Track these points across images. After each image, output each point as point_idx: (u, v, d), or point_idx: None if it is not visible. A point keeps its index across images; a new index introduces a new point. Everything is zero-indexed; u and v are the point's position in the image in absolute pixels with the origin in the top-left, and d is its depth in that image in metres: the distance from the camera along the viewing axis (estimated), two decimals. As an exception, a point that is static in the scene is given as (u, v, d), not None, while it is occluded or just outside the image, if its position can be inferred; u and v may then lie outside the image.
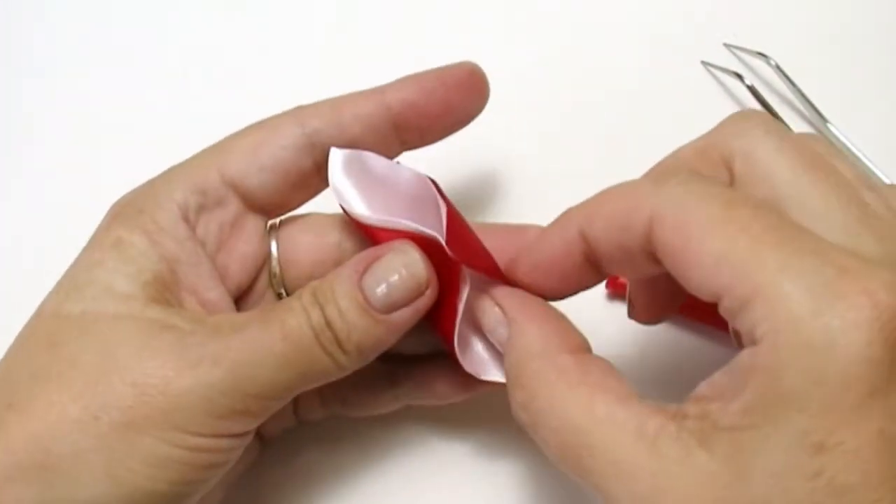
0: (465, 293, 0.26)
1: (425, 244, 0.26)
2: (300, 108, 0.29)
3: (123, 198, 0.28)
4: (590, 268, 0.25)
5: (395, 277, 0.25)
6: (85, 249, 0.26)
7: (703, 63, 0.41)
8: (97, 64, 0.42)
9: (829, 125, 0.38)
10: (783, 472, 0.19)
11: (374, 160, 0.28)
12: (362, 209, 0.28)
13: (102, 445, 0.23)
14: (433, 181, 0.27)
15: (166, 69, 0.42)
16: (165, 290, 0.26)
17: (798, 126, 0.38)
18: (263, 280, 0.29)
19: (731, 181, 0.24)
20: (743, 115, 0.25)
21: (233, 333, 0.24)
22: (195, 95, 0.42)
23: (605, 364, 0.24)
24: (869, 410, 0.19)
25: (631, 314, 0.29)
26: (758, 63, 0.40)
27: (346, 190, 0.28)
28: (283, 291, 0.29)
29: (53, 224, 0.38)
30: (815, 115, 0.38)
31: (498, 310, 0.26)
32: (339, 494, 0.32)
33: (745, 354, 0.20)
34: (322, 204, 0.30)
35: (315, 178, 0.29)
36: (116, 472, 0.23)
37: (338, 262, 0.29)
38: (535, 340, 0.25)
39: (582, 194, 0.38)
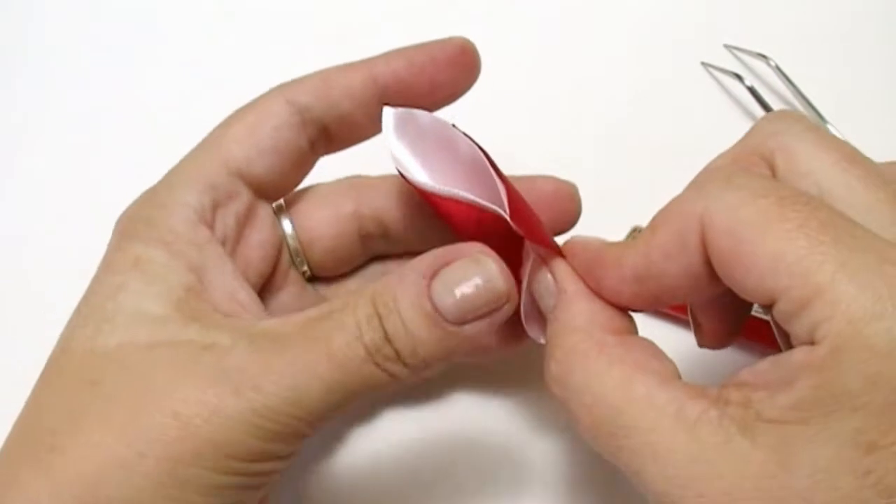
0: (528, 267, 0.25)
1: (488, 218, 0.25)
2: (286, 86, 0.28)
3: (127, 212, 0.26)
4: (650, 303, 0.25)
5: (472, 289, 0.23)
6: (101, 274, 0.25)
7: (703, 64, 0.41)
8: (96, 63, 0.42)
9: (828, 126, 0.38)
10: (831, 468, 0.19)
11: (427, 120, 0.27)
12: (422, 176, 0.26)
13: (152, 483, 0.22)
14: (483, 150, 0.26)
15: (166, 68, 0.42)
16: (200, 301, 0.24)
17: (798, 127, 0.39)
18: (283, 264, 0.29)
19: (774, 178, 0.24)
20: (777, 116, 0.25)
21: (273, 354, 0.23)
22: (195, 94, 0.41)
23: (650, 345, 0.24)
24: None
25: (701, 342, 0.27)
26: (758, 64, 0.40)
27: (401, 154, 0.26)
28: (307, 269, 0.29)
29: (52, 224, 0.38)
30: (815, 116, 0.39)
31: (550, 278, 0.25)
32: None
33: (800, 351, 0.20)
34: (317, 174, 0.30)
35: (310, 154, 0.28)
36: None
37: (359, 232, 0.28)
38: (580, 314, 0.24)
39: (581, 195, 0.38)
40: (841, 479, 0.19)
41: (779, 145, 0.24)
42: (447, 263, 0.24)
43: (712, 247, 0.22)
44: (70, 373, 0.23)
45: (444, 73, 0.28)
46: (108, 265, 0.25)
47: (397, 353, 0.23)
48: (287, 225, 0.29)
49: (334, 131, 0.28)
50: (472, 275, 0.23)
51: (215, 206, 0.26)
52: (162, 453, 0.22)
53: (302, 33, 0.43)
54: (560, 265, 0.26)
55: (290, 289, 0.29)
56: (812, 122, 0.24)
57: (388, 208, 0.29)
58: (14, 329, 0.26)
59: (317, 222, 0.29)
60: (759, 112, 0.38)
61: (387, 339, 0.23)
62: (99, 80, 0.42)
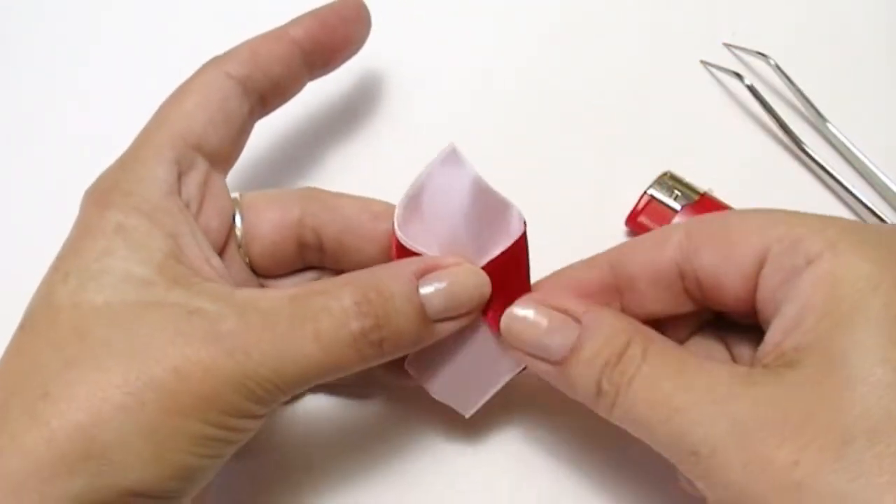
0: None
1: None
2: (221, 61, 0.30)
3: (99, 185, 0.27)
4: (604, 302, 0.27)
5: (460, 293, 0.26)
6: (80, 237, 0.26)
7: (703, 63, 0.41)
8: (96, 61, 0.42)
9: (828, 125, 0.38)
10: (881, 345, 0.21)
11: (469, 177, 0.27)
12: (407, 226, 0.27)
13: (149, 430, 0.23)
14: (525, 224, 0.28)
15: (166, 67, 0.42)
16: (179, 266, 0.26)
17: (798, 126, 0.38)
18: (233, 241, 0.30)
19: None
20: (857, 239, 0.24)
21: (263, 328, 0.24)
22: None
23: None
24: None
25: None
26: (757, 63, 0.40)
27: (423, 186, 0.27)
28: (248, 261, 0.30)
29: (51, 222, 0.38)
30: (815, 115, 0.38)
31: (559, 313, 0.26)
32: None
33: (800, 284, 0.23)
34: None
35: (249, 121, 0.31)
36: (164, 454, 0.23)
37: (298, 239, 0.30)
38: (620, 319, 0.26)
39: (580, 195, 0.38)
40: (888, 350, 0.21)
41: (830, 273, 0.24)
42: (434, 268, 0.26)
43: (701, 237, 0.25)
44: (58, 325, 0.24)
45: (352, 30, 0.33)
46: (87, 230, 0.26)
47: (381, 340, 0.25)
48: (237, 217, 0.30)
49: (268, 96, 0.31)
50: (467, 281, 0.27)
51: (180, 178, 0.28)
52: (161, 404, 0.23)
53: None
54: (565, 300, 0.27)
55: (236, 267, 0.30)
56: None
57: (328, 223, 0.30)
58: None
59: (262, 221, 0.30)
60: (759, 111, 0.38)
61: (377, 326, 0.25)
62: (97, 81, 0.42)
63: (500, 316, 0.27)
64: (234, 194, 0.30)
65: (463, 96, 0.40)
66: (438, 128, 0.39)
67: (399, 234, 0.27)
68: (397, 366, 0.29)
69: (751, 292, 0.25)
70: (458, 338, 0.28)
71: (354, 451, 0.32)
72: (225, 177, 0.30)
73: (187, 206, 0.28)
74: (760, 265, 0.24)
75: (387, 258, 0.29)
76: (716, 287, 0.26)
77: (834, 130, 0.38)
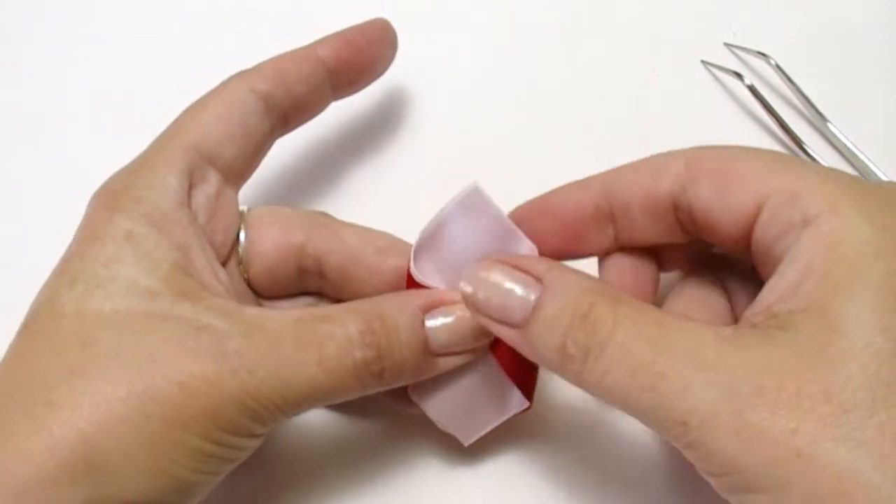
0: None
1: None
2: (246, 75, 0.30)
3: (109, 188, 0.27)
4: (599, 227, 0.27)
5: (465, 329, 0.26)
6: (87, 242, 0.26)
7: (703, 62, 0.41)
8: (101, 62, 0.42)
9: (829, 125, 0.38)
10: (880, 313, 0.20)
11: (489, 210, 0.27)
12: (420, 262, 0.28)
13: (151, 443, 0.23)
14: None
15: (165, 67, 0.42)
16: (186, 278, 0.25)
17: (798, 126, 0.38)
18: (235, 258, 0.30)
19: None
20: (852, 192, 0.23)
21: (268, 348, 0.24)
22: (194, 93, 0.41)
23: None
24: None
25: None
26: (758, 62, 0.40)
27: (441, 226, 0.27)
28: (246, 277, 0.30)
29: (51, 223, 0.38)
30: (815, 115, 0.38)
31: (520, 273, 0.25)
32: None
33: (800, 245, 0.22)
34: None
35: (269, 138, 0.30)
36: (165, 468, 0.23)
37: (298, 264, 0.29)
38: (585, 279, 0.25)
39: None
40: (888, 318, 0.20)
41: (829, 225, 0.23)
42: (441, 303, 0.27)
43: (702, 171, 0.25)
44: (62, 332, 0.24)
45: (377, 51, 0.33)
46: (95, 234, 0.26)
47: (382, 370, 0.25)
48: (241, 234, 0.30)
49: (290, 114, 0.31)
50: (463, 315, 0.26)
51: (191, 189, 0.27)
52: (164, 417, 0.23)
53: (302, 36, 0.43)
54: (523, 259, 0.26)
55: (235, 283, 0.29)
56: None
57: (331, 252, 0.29)
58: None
59: (264, 239, 0.30)
60: (760, 111, 0.38)
61: (379, 357, 0.25)
62: (97, 83, 0.42)
63: (510, 352, 0.27)
64: (242, 207, 0.30)
65: (463, 96, 0.40)
66: (450, 138, 0.39)
67: (413, 269, 0.27)
68: (401, 393, 0.29)
69: (745, 235, 0.24)
70: (465, 370, 0.28)
71: (352, 468, 0.32)
72: (237, 191, 0.30)
73: (196, 217, 0.27)
74: (757, 211, 0.24)
75: (388, 292, 0.29)
76: (709, 224, 0.25)
77: (834, 130, 0.38)
